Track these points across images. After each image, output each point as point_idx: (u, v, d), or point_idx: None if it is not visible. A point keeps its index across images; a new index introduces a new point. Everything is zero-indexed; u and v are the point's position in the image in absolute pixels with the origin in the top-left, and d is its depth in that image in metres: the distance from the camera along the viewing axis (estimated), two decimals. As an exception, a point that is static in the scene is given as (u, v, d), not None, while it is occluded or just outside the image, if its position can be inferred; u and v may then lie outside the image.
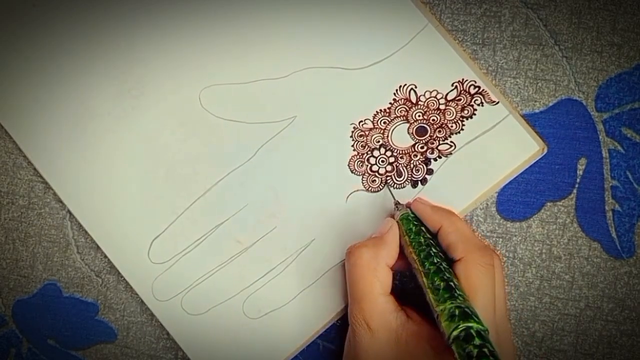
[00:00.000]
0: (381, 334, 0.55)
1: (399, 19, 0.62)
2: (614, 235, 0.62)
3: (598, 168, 0.62)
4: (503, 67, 0.63)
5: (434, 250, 0.55)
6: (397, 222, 0.59)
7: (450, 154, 0.62)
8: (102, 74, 0.64)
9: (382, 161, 0.62)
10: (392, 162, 0.62)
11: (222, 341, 0.64)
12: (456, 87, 0.62)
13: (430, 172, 0.62)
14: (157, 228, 0.64)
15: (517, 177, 0.62)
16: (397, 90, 0.62)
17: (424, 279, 0.53)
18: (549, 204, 0.63)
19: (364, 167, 0.62)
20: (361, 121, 0.62)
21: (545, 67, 0.62)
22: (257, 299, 0.64)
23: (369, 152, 0.62)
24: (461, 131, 0.62)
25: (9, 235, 0.68)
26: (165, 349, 0.67)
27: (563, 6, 0.62)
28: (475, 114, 0.61)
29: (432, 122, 0.62)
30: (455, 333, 0.47)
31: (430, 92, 0.62)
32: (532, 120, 0.62)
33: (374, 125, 0.62)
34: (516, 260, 0.63)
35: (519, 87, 0.62)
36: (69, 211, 0.66)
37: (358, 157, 0.62)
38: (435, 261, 0.53)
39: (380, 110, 0.62)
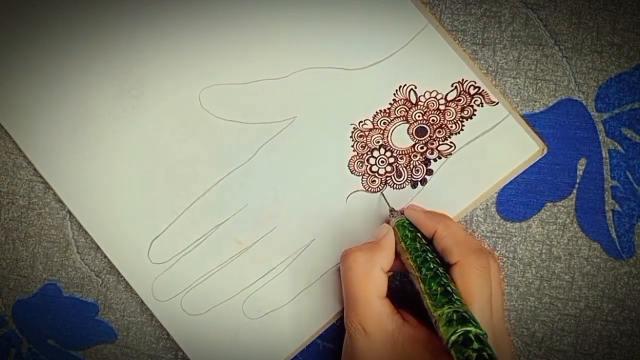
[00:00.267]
0: (377, 337, 0.55)
1: (398, 19, 0.62)
2: (614, 235, 0.62)
3: (598, 168, 0.62)
4: (503, 67, 0.63)
5: (430, 255, 0.55)
6: (393, 228, 0.59)
7: (450, 154, 0.62)
8: (102, 74, 0.64)
9: (382, 162, 0.62)
10: (392, 163, 0.62)
11: (222, 341, 0.64)
12: (456, 87, 0.62)
13: (430, 172, 0.62)
14: (157, 228, 0.64)
15: (517, 177, 0.62)
16: (397, 90, 0.62)
17: (421, 285, 0.53)
18: (548, 204, 0.63)
19: (364, 168, 0.62)
20: (361, 121, 0.62)
21: (545, 67, 0.62)
22: (257, 299, 0.64)
23: (369, 153, 0.62)
24: (461, 132, 0.62)
25: (9, 235, 0.68)
26: (165, 349, 0.67)
27: (563, 6, 0.62)
28: (475, 115, 0.61)
29: (432, 122, 0.62)
30: (453, 338, 0.47)
31: (430, 93, 0.62)
32: (532, 120, 0.62)
33: (373, 126, 0.62)
34: (516, 261, 0.63)
35: (519, 87, 0.62)
36: (69, 211, 0.66)
37: (358, 157, 0.62)
38: (432, 266, 0.53)
39: (380, 110, 0.62)
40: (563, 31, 0.62)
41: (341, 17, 0.62)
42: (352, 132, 0.62)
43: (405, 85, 0.62)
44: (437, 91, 0.62)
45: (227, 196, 0.64)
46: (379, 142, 0.62)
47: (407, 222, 0.59)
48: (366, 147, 0.62)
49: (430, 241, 0.58)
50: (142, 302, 0.65)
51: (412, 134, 0.62)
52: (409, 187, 0.62)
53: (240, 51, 0.63)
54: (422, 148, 0.62)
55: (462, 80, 0.62)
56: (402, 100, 0.62)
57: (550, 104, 0.62)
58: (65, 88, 0.64)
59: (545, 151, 0.62)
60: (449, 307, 0.49)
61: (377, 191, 0.63)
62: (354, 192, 0.63)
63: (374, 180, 0.62)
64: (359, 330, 0.55)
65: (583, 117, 0.62)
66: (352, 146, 0.62)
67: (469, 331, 0.47)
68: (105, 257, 0.65)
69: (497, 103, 0.61)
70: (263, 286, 0.64)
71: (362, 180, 0.63)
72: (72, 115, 0.64)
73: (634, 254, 0.62)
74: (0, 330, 0.68)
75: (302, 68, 0.63)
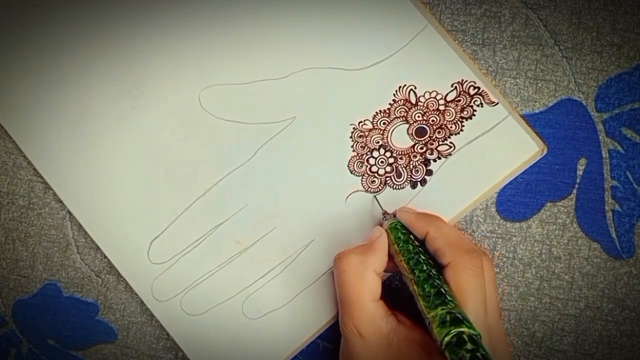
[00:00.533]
0: (372, 340, 0.55)
1: (398, 20, 0.62)
2: (613, 235, 0.62)
3: (598, 168, 0.62)
4: (503, 67, 0.63)
5: (422, 257, 0.55)
6: (386, 231, 0.59)
7: (450, 154, 0.62)
8: (102, 74, 0.64)
9: (382, 162, 0.62)
10: (392, 163, 0.62)
11: (221, 341, 0.64)
12: (456, 87, 0.62)
13: (429, 173, 0.62)
14: (156, 228, 0.64)
15: (517, 177, 0.62)
16: (396, 90, 0.62)
17: (415, 287, 0.53)
18: (548, 204, 0.63)
19: (364, 168, 0.62)
20: (361, 122, 0.62)
21: (545, 68, 0.62)
22: (257, 299, 0.64)
23: (369, 153, 0.62)
24: (461, 132, 0.62)
25: (9, 235, 0.68)
26: (165, 349, 0.67)
27: (563, 6, 0.62)
28: (474, 115, 0.61)
29: (432, 122, 0.62)
30: (447, 339, 0.47)
31: (430, 93, 0.62)
32: (532, 120, 0.62)
33: (373, 126, 0.62)
34: (516, 261, 0.63)
35: (519, 88, 0.62)
36: (69, 211, 0.66)
37: (357, 157, 0.62)
38: (425, 268, 0.53)
39: (380, 111, 0.62)
40: (563, 31, 0.62)
41: (341, 18, 0.62)
42: (352, 133, 0.62)
43: (405, 85, 0.62)
44: (436, 91, 0.62)
45: (226, 196, 0.64)
46: (378, 142, 0.62)
47: (399, 224, 0.59)
48: (366, 147, 0.62)
49: (422, 243, 0.58)
50: (142, 302, 0.65)
51: (411, 134, 0.62)
52: (408, 187, 0.62)
53: (240, 51, 0.63)
54: (421, 148, 0.62)
55: (462, 80, 0.62)
56: (402, 101, 0.62)
57: (550, 104, 0.62)
58: (65, 88, 0.64)
59: (545, 151, 0.62)
60: (442, 309, 0.49)
61: (377, 192, 0.63)
62: (354, 192, 0.63)
63: (374, 181, 0.62)
64: (354, 333, 0.55)
65: (583, 117, 0.62)
66: (352, 146, 0.62)
67: (462, 332, 0.47)
68: (105, 257, 0.65)
69: (497, 103, 0.61)
70: (263, 286, 0.64)
71: (362, 181, 0.63)
72: (72, 115, 0.64)
73: (634, 254, 0.62)
74: (0, 330, 0.68)
75: (302, 68, 0.63)
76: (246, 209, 0.64)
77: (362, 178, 0.63)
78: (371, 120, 0.62)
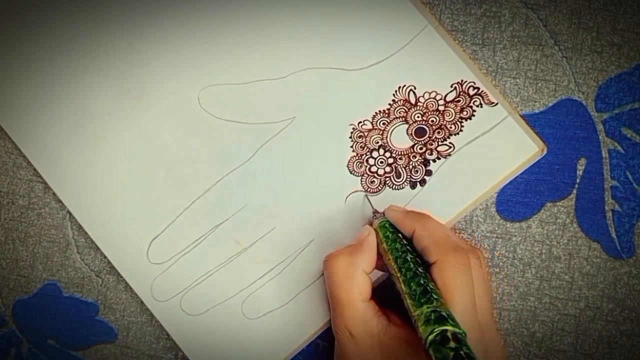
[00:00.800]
0: (363, 340, 0.55)
1: (398, 20, 0.62)
2: (613, 235, 0.62)
3: (598, 168, 0.62)
4: (503, 67, 0.63)
5: (410, 255, 0.55)
6: (375, 230, 0.59)
7: (449, 155, 0.62)
8: (101, 74, 0.64)
9: (381, 162, 0.62)
10: (391, 163, 0.62)
11: (221, 341, 0.64)
12: (455, 88, 0.62)
13: (429, 173, 0.62)
14: (156, 228, 0.64)
15: (516, 177, 0.62)
16: (396, 91, 0.62)
17: (402, 285, 0.53)
18: (548, 204, 0.63)
19: (363, 168, 0.62)
20: (360, 122, 0.62)
21: (545, 68, 0.62)
22: (256, 299, 0.64)
23: (368, 153, 0.62)
24: (460, 132, 0.62)
25: (9, 235, 0.68)
26: (165, 349, 0.67)
27: (563, 6, 0.62)
28: (474, 115, 0.61)
29: (431, 123, 0.62)
30: (431, 337, 0.47)
31: (430, 93, 0.62)
32: (532, 120, 0.62)
33: (373, 126, 0.62)
34: (516, 261, 0.63)
35: (519, 88, 0.62)
36: (69, 211, 0.66)
37: (357, 158, 0.62)
38: (411, 266, 0.53)
39: (380, 111, 0.62)
40: (563, 31, 0.62)
41: (341, 18, 0.62)
42: (352, 133, 0.62)
43: (405, 85, 0.62)
44: (436, 92, 0.62)
45: (226, 196, 0.64)
46: (378, 142, 0.62)
47: (388, 223, 0.59)
48: (365, 147, 0.62)
49: (410, 241, 0.58)
50: (142, 302, 0.65)
51: (411, 134, 0.62)
52: (408, 187, 0.62)
53: (239, 51, 0.63)
54: (421, 149, 0.62)
55: (462, 81, 0.61)
56: (402, 101, 0.62)
57: (550, 104, 0.62)
58: (65, 88, 0.64)
59: (545, 152, 0.62)
60: (428, 307, 0.49)
61: (377, 192, 0.63)
62: (353, 192, 0.63)
63: (373, 181, 0.62)
64: (346, 334, 0.55)
65: (583, 117, 0.62)
66: (352, 147, 0.62)
67: (446, 330, 0.47)
68: (105, 257, 0.65)
69: (497, 104, 0.61)
70: (262, 286, 0.64)
71: (361, 181, 0.63)
72: (72, 115, 0.64)
73: (634, 254, 0.62)
74: (0, 330, 0.68)
75: (301, 68, 0.63)
76: (246, 209, 0.64)
77: (362, 178, 0.63)
78: (371, 121, 0.62)
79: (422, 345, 0.47)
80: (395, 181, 0.62)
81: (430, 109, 0.62)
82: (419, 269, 0.53)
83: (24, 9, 0.65)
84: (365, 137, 0.62)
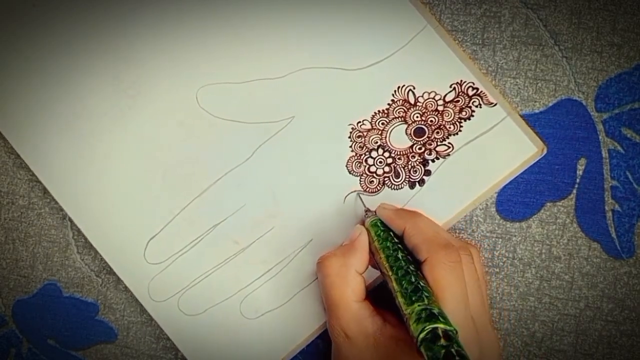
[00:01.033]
0: (359, 340, 0.55)
1: (397, 20, 0.62)
2: (613, 235, 0.62)
3: (598, 168, 0.62)
4: (503, 67, 0.63)
5: (401, 254, 0.55)
6: (366, 228, 0.59)
7: (448, 155, 0.62)
8: (99, 74, 0.64)
9: (380, 162, 0.62)
10: (390, 163, 0.62)
11: (219, 341, 0.64)
12: (454, 88, 0.62)
13: (428, 173, 0.62)
14: (153, 228, 0.64)
15: (516, 177, 0.62)
16: (395, 91, 0.62)
17: (393, 284, 0.53)
18: (548, 204, 0.63)
19: (362, 168, 0.62)
20: (359, 122, 0.62)
21: (545, 67, 0.62)
22: (255, 299, 0.64)
23: (367, 153, 0.62)
24: (459, 132, 0.62)
25: (9, 235, 0.68)
26: (165, 349, 0.67)
27: (563, 6, 0.62)
28: (473, 116, 0.61)
29: (430, 123, 0.62)
30: (422, 335, 0.47)
31: (429, 94, 0.62)
32: (532, 120, 0.62)
33: (372, 126, 0.62)
34: (516, 261, 0.63)
35: (519, 88, 0.62)
36: (68, 211, 0.67)
37: (356, 157, 0.62)
38: (403, 265, 0.53)
39: (379, 111, 0.62)
40: (563, 31, 0.62)
41: (340, 17, 0.62)
42: (351, 133, 0.62)
43: (404, 85, 0.62)
44: (435, 92, 0.62)
45: (224, 196, 0.64)
46: (377, 142, 0.62)
47: (379, 221, 0.59)
48: (364, 147, 0.62)
49: (402, 239, 0.58)
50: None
51: (410, 134, 0.62)
52: (407, 187, 0.62)
53: (238, 50, 0.63)
54: (420, 149, 0.62)
55: (461, 81, 0.61)
56: (401, 101, 0.62)
57: (550, 104, 0.62)
58: (62, 88, 0.64)
59: (545, 152, 0.62)
60: (419, 305, 0.49)
61: (376, 192, 0.63)
62: (352, 192, 0.63)
63: (372, 181, 0.62)
64: (341, 336, 0.55)
65: (583, 117, 0.62)
66: (350, 146, 0.62)
67: (437, 328, 0.47)
68: (105, 257, 0.65)
69: (495, 104, 0.61)
70: (260, 286, 0.64)
71: (360, 181, 0.63)
72: (69, 115, 0.64)
73: (634, 254, 0.62)
74: (0, 330, 0.68)
75: (300, 68, 0.63)
76: (244, 209, 0.64)
77: (361, 178, 0.63)
78: (370, 121, 0.62)
79: (414, 344, 0.48)
80: (394, 181, 0.62)
81: (430, 109, 0.62)
82: (410, 267, 0.53)
83: (24, 9, 0.65)
84: (364, 137, 0.62)
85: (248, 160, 0.63)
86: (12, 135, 0.65)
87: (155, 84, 0.64)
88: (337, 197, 0.63)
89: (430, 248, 0.54)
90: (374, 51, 0.62)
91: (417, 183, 0.62)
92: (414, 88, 0.62)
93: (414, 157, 0.62)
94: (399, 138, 0.62)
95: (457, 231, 0.63)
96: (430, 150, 0.62)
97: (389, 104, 0.62)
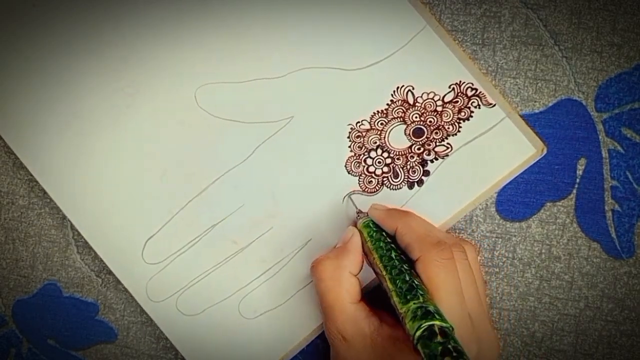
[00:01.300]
0: (356, 342, 0.55)
1: (397, 20, 0.62)
2: (613, 235, 0.62)
3: (598, 168, 0.62)
4: (503, 67, 0.62)
5: (394, 253, 0.55)
6: (359, 230, 0.59)
7: (447, 155, 0.62)
8: (98, 73, 0.64)
9: (379, 162, 0.62)
10: (389, 163, 0.62)
11: (218, 341, 0.64)
12: (453, 89, 0.62)
13: (426, 173, 0.62)
14: (151, 228, 0.64)
15: (516, 177, 0.62)
16: (394, 91, 0.62)
17: (388, 283, 0.53)
18: (548, 204, 0.63)
19: (361, 168, 0.62)
20: (358, 122, 0.62)
21: (545, 67, 0.62)
22: (253, 299, 0.64)
23: (366, 153, 0.62)
24: (458, 133, 0.62)
25: (9, 235, 0.68)
26: (165, 349, 0.67)
27: (563, 6, 0.62)
28: (472, 116, 0.61)
29: (429, 123, 0.62)
30: (418, 333, 0.47)
31: (428, 94, 0.62)
32: (532, 120, 0.62)
33: (371, 126, 0.62)
34: (516, 261, 0.63)
35: (519, 87, 0.62)
36: (68, 211, 0.67)
37: (355, 158, 0.62)
38: (396, 264, 0.53)
39: (378, 111, 0.62)
40: (563, 31, 0.62)
41: (339, 17, 0.62)
42: (350, 133, 0.62)
43: (403, 86, 0.62)
44: (434, 92, 0.62)
45: (223, 196, 0.64)
46: (376, 142, 0.62)
47: (371, 222, 0.59)
48: (363, 147, 0.62)
49: (394, 239, 0.58)
50: (141, 302, 0.65)
51: (409, 134, 0.62)
52: (405, 187, 0.62)
53: (237, 49, 0.63)
54: (419, 149, 0.62)
55: (460, 82, 0.61)
56: (400, 101, 0.62)
57: (550, 104, 0.62)
58: (61, 88, 0.64)
59: (545, 152, 0.62)
60: (414, 303, 0.49)
61: (374, 192, 0.63)
62: (351, 193, 0.63)
63: (371, 181, 0.62)
64: (339, 338, 0.55)
65: (583, 117, 0.62)
66: (350, 147, 0.62)
67: (433, 325, 0.47)
68: (105, 257, 0.65)
69: (494, 105, 0.61)
70: (259, 286, 0.64)
71: (359, 181, 0.62)
72: (67, 115, 0.64)
73: (634, 254, 0.62)
74: (0, 330, 0.68)
75: (300, 67, 0.63)
76: (243, 208, 0.64)
77: (359, 178, 0.62)
78: (369, 121, 0.62)
79: (411, 342, 0.48)
80: (393, 181, 0.62)
81: (429, 110, 0.62)
82: (404, 266, 0.53)
83: (24, 9, 0.65)
84: (363, 137, 0.62)
85: (247, 160, 0.63)
86: (10, 135, 0.65)
87: (154, 83, 0.64)
88: (335, 197, 0.63)
89: (423, 246, 0.54)
90: (373, 51, 0.62)
91: (415, 183, 0.62)
92: (413, 88, 0.62)
93: (412, 157, 0.62)
94: (398, 138, 0.62)
95: (457, 231, 0.64)
96: (429, 150, 0.62)
97: (388, 104, 0.62)
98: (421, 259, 0.53)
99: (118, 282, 0.67)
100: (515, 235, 0.63)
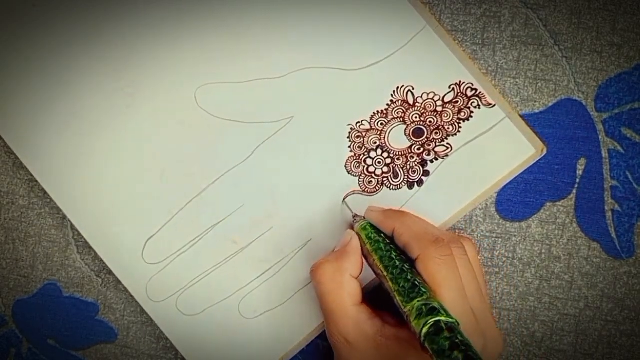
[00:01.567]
0: (360, 344, 0.54)
1: (397, 20, 0.62)
2: (613, 235, 0.62)
3: (598, 168, 0.62)
4: (503, 67, 0.62)
5: (394, 253, 0.55)
6: (357, 233, 0.59)
7: (447, 155, 0.62)
8: (98, 73, 0.64)
9: (379, 162, 0.62)
10: (389, 164, 0.62)
11: (218, 342, 0.64)
12: (453, 89, 0.62)
13: (426, 173, 0.62)
14: (151, 228, 0.64)
15: (516, 177, 0.62)
16: (394, 91, 0.62)
17: (390, 284, 0.53)
18: (548, 204, 0.63)
19: (361, 168, 0.62)
20: (358, 122, 0.62)
21: (545, 67, 0.62)
22: (253, 299, 0.64)
23: (366, 153, 0.62)
24: (458, 133, 0.62)
25: (9, 235, 0.68)
26: (165, 349, 0.67)
27: (563, 6, 0.62)
28: (472, 117, 0.61)
29: (429, 123, 0.62)
30: (425, 330, 0.47)
31: (428, 94, 0.62)
32: (532, 120, 0.62)
33: (371, 127, 0.62)
34: (515, 261, 0.63)
35: (519, 87, 0.62)
36: (68, 211, 0.67)
37: (355, 158, 0.62)
38: (397, 264, 0.53)
39: (378, 111, 0.62)
40: (563, 31, 0.62)
41: (339, 17, 0.62)
42: (350, 133, 0.62)
43: (403, 86, 0.62)
44: (434, 92, 0.62)
45: (223, 196, 0.64)
46: (376, 142, 0.62)
47: (369, 224, 0.59)
48: (363, 147, 0.62)
49: (392, 240, 0.58)
50: (141, 301, 0.65)
51: (409, 135, 0.62)
52: (405, 188, 0.62)
53: (237, 49, 0.63)
54: (419, 149, 0.62)
55: (460, 82, 0.61)
56: (400, 101, 0.62)
57: (550, 104, 0.62)
58: (61, 87, 0.64)
59: (544, 152, 0.62)
60: (418, 300, 0.49)
61: (374, 192, 0.63)
62: (351, 192, 0.63)
63: (371, 181, 0.62)
64: (342, 342, 0.55)
65: (583, 117, 0.62)
66: (349, 147, 0.62)
67: (439, 321, 0.47)
68: (105, 256, 0.65)
69: (494, 105, 0.61)
70: (259, 286, 0.64)
71: (359, 181, 0.62)
72: (67, 115, 0.64)
73: (634, 254, 0.62)
74: (0, 330, 0.68)
75: (300, 68, 0.63)
76: (243, 208, 0.63)
77: (359, 178, 0.62)
78: (369, 121, 0.62)
79: (418, 340, 0.48)
80: (393, 181, 0.62)
81: (428, 110, 0.62)
82: (405, 266, 0.53)
83: (24, 9, 0.65)
84: (363, 137, 0.62)
85: (247, 160, 0.63)
86: (10, 135, 0.65)
87: (154, 83, 0.64)
88: (335, 197, 0.63)
89: (421, 244, 0.54)
90: (373, 51, 0.62)
91: (415, 183, 0.62)
92: (413, 88, 0.62)
93: (412, 157, 0.62)
94: (398, 138, 0.62)
95: (457, 231, 0.64)
96: (429, 150, 0.62)
97: (388, 105, 0.62)
98: (421, 257, 0.53)
99: (118, 282, 0.67)
100: (515, 235, 0.63)
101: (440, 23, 0.63)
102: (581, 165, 0.62)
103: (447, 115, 0.62)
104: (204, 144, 0.64)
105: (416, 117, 0.62)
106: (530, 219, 0.63)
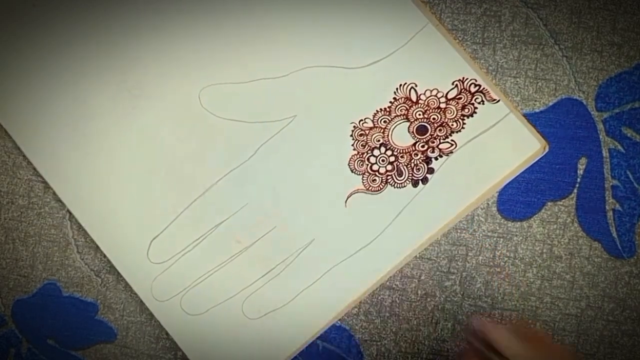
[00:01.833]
0: None
1: (398, 18, 0.62)
2: (614, 235, 0.62)
3: (598, 167, 0.62)
4: (503, 66, 0.63)
5: None
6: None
7: (451, 152, 0.62)
8: (102, 73, 0.64)
9: (383, 160, 0.62)
10: (393, 162, 0.62)
11: (221, 341, 0.64)
12: (456, 85, 0.61)
13: (431, 171, 0.62)
14: (156, 228, 0.64)
15: (517, 176, 0.62)
16: (397, 89, 0.62)
17: None
18: (549, 203, 0.63)
19: (364, 167, 0.62)
20: (361, 120, 0.62)
21: (546, 67, 0.62)
22: (257, 299, 0.64)
23: (369, 152, 0.62)
24: (462, 130, 0.62)
25: (9, 235, 0.68)
26: (164, 348, 0.67)
27: (563, 6, 0.62)
28: (475, 113, 0.61)
29: (433, 120, 0.62)
30: None
31: (431, 91, 0.62)
32: (532, 119, 0.62)
33: (374, 125, 0.62)
34: (517, 260, 0.63)
35: (519, 87, 0.62)
36: (68, 211, 0.66)
37: (358, 156, 0.62)
38: None
39: (381, 109, 0.62)
40: (563, 31, 0.62)
41: (341, 16, 0.62)
42: (353, 131, 0.62)
43: (406, 83, 0.62)
44: (437, 89, 0.62)
45: (226, 195, 0.64)
46: (379, 140, 0.62)
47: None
48: (366, 146, 0.62)
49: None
50: (141, 301, 0.65)
51: (412, 132, 0.62)
52: (410, 186, 0.62)
53: (240, 50, 0.63)
54: (423, 146, 0.62)
55: (463, 78, 0.61)
56: (403, 99, 0.62)
57: (551, 104, 0.62)
58: (65, 88, 0.64)
59: (547, 149, 0.62)
60: None
61: (378, 190, 0.62)
62: (355, 191, 0.63)
63: (375, 180, 0.62)
64: None
65: (583, 117, 0.62)
66: (353, 145, 0.62)
67: None
68: (105, 256, 0.65)
69: (498, 101, 0.61)
70: (263, 286, 0.64)
71: (363, 180, 0.62)
72: (72, 115, 0.64)
73: (635, 253, 0.62)
74: (0, 330, 0.68)
75: (302, 67, 0.63)
76: (246, 208, 0.63)
77: (363, 177, 0.62)
78: (372, 119, 0.62)
79: None
80: (397, 180, 0.62)
81: (432, 107, 0.62)
82: None
83: (24, 9, 0.64)
84: (367, 135, 0.62)
85: (250, 160, 0.63)
86: (17, 135, 0.65)
87: (159, 84, 0.64)
88: (339, 196, 0.63)
89: None
90: (375, 49, 0.62)
91: (420, 181, 0.62)
92: (416, 86, 0.62)
93: (416, 155, 0.62)
94: (402, 136, 0.62)
95: (459, 231, 0.63)
96: (433, 148, 0.62)
97: (390, 102, 0.62)
98: None
99: (118, 281, 0.66)
100: (516, 235, 0.63)
101: (441, 22, 0.63)
102: (582, 165, 0.62)
103: (451, 111, 0.62)
104: (208, 144, 0.64)
105: (420, 114, 0.62)
106: (532, 219, 0.63)
